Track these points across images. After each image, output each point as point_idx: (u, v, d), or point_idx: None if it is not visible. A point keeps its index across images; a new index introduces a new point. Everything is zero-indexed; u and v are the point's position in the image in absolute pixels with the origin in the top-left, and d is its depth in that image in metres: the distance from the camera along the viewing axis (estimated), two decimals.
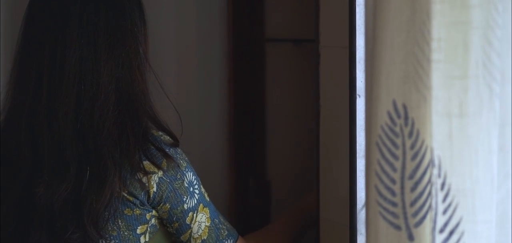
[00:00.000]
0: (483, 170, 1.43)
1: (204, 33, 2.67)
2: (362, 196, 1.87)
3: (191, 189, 1.71)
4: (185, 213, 1.71)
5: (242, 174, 2.60)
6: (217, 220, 1.76)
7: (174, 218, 1.71)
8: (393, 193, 1.44)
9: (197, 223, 1.73)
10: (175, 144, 1.73)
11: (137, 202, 1.67)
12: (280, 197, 2.62)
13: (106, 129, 1.63)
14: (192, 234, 1.74)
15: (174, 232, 1.73)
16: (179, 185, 1.70)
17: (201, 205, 1.73)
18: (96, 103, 1.63)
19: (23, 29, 1.70)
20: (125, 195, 1.66)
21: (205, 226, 1.74)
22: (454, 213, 1.43)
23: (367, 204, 1.48)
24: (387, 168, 1.44)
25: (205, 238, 1.74)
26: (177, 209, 1.70)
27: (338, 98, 1.96)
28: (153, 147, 1.68)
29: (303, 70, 2.50)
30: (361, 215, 1.88)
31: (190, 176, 1.72)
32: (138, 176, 1.66)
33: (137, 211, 1.68)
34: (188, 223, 1.72)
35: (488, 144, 1.43)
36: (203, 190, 1.75)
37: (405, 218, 1.43)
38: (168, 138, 1.73)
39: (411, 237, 1.43)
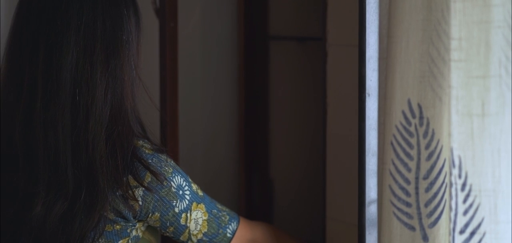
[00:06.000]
0: (505, 170, 1.42)
1: (210, 31, 2.66)
2: (370, 196, 1.86)
3: (181, 192, 1.66)
4: (177, 216, 1.67)
5: (249, 172, 2.59)
6: (215, 210, 1.72)
7: (168, 224, 1.67)
8: (407, 193, 1.43)
9: (193, 220, 1.69)
10: (160, 149, 1.67)
11: (119, 219, 1.63)
12: (284, 196, 2.61)
13: (100, 145, 1.58)
14: (191, 232, 1.70)
15: (171, 235, 1.71)
16: (166, 193, 1.65)
17: (194, 203, 1.69)
18: (91, 118, 1.58)
19: (14, 26, 1.63)
20: (107, 215, 1.62)
21: (203, 220, 1.70)
22: (475, 213, 1.42)
23: (380, 204, 1.47)
24: (402, 168, 1.43)
25: (206, 231, 1.71)
26: (168, 215, 1.66)
27: (345, 97, 1.95)
28: (136, 160, 1.62)
29: (308, 69, 2.49)
30: (368, 214, 1.87)
31: (178, 180, 1.66)
32: (121, 191, 1.60)
33: (118, 227, 1.64)
34: (183, 224, 1.68)
35: (511, 143, 1.42)
36: (194, 187, 1.70)
37: (420, 219, 1.42)
38: (151, 145, 1.67)
39: (425, 237, 1.42)
